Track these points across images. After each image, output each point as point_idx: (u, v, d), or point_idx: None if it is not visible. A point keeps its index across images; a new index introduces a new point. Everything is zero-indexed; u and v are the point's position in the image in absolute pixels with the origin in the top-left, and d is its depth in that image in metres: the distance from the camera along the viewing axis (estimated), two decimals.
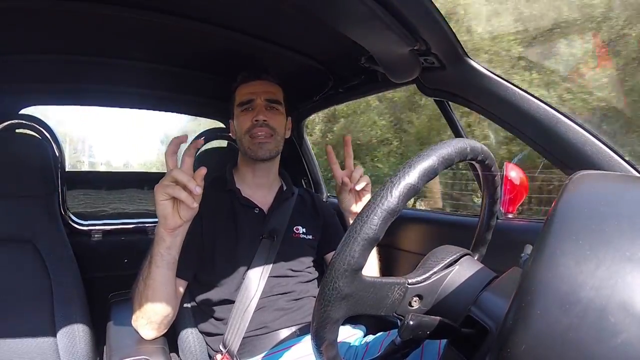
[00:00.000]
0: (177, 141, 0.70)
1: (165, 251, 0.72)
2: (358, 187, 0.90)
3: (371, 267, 0.95)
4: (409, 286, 0.42)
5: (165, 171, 0.69)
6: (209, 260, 0.88)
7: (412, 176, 0.37)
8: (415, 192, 0.37)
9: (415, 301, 0.43)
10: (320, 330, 0.38)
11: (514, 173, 0.90)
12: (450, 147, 0.40)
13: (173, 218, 0.69)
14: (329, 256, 1.04)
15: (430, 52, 0.74)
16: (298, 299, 0.91)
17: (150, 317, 0.75)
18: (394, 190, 0.36)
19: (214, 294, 0.87)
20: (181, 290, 0.85)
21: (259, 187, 1.00)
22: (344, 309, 0.38)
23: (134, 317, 0.78)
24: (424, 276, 0.44)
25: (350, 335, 0.91)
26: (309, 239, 0.99)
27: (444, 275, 0.45)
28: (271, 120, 0.94)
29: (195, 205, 0.69)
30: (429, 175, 0.38)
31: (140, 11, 0.82)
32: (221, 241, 0.89)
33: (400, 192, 0.36)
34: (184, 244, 0.87)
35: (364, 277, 0.38)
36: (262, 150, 0.94)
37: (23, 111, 1.21)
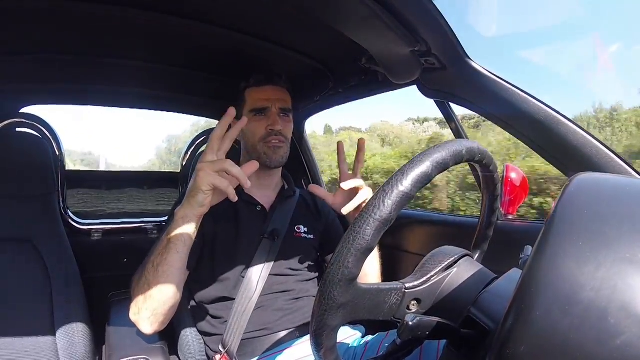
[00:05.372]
0: (226, 122, 0.70)
1: (189, 236, 0.71)
2: (345, 187, 0.85)
3: (372, 269, 0.95)
4: (407, 291, 0.42)
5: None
6: (209, 256, 0.88)
7: (404, 184, 0.36)
8: (409, 199, 0.36)
9: (414, 305, 0.43)
10: (318, 337, 0.38)
11: (514, 174, 0.90)
12: (444, 150, 0.39)
13: (208, 205, 0.69)
14: (330, 257, 1.03)
15: (430, 53, 0.74)
16: (297, 299, 0.91)
17: (156, 309, 0.72)
18: (386, 199, 0.35)
19: (213, 291, 0.87)
20: (183, 279, 0.82)
21: (262, 188, 1.00)
22: (340, 316, 0.38)
23: (134, 310, 0.73)
24: (422, 280, 0.44)
25: (349, 335, 0.91)
26: (310, 238, 0.99)
27: (443, 277, 0.45)
28: (284, 129, 0.96)
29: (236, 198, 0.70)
30: (423, 181, 0.37)
31: (140, 11, 0.82)
32: (221, 238, 0.89)
33: (393, 201, 0.35)
34: None
35: (359, 285, 0.38)
36: (277, 155, 0.95)
37: (23, 110, 1.21)
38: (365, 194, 0.84)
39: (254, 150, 0.95)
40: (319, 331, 0.37)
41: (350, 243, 0.35)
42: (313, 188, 0.89)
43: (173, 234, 0.70)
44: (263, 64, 1.10)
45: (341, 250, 0.36)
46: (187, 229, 0.70)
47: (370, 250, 0.36)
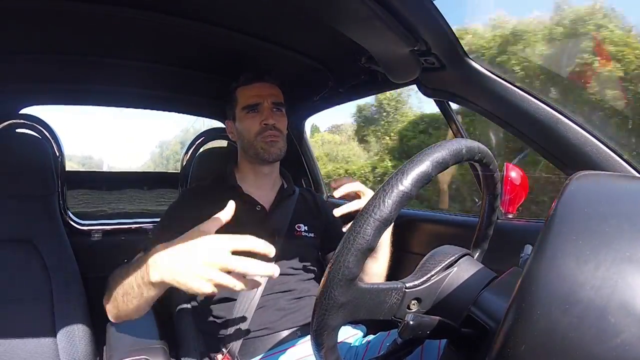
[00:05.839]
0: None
1: (159, 295, 0.63)
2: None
3: (380, 271, 0.95)
4: (407, 290, 0.42)
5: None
6: None
7: (404, 183, 0.36)
8: (409, 199, 0.36)
9: (414, 304, 0.43)
10: (319, 337, 0.38)
11: (514, 173, 0.90)
12: (444, 150, 0.39)
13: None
14: (330, 256, 1.04)
15: (430, 52, 0.74)
16: (299, 298, 0.91)
17: (124, 319, 0.71)
18: (386, 199, 0.35)
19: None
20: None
21: (261, 187, 1.00)
22: (341, 316, 0.38)
23: (106, 304, 0.71)
24: (422, 279, 0.44)
25: (350, 335, 0.91)
26: (310, 237, 0.99)
27: (443, 277, 0.45)
28: (278, 123, 0.96)
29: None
30: (423, 181, 0.37)
31: (140, 11, 0.82)
32: None
33: (393, 200, 0.35)
34: (176, 235, 0.87)
35: (359, 284, 0.38)
36: (274, 148, 0.95)
37: (23, 111, 1.21)
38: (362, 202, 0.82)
39: (251, 146, 0.96)
40: (320, 331, 0.37)
41: (351, 243, 0.35)
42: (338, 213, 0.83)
43: (145, 292, 0.61)
44: (263, 63, 1.10)
45: (341, 250, 0.36)
46: (159, 291, 0.62)
47: (371, 250, 0.36)
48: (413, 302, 0.43)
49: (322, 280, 0.37)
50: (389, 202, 0.35)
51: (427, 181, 0.37)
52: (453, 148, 0.40)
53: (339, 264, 0.36)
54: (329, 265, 0.37)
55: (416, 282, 0.43)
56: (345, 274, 0.35)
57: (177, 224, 0.90)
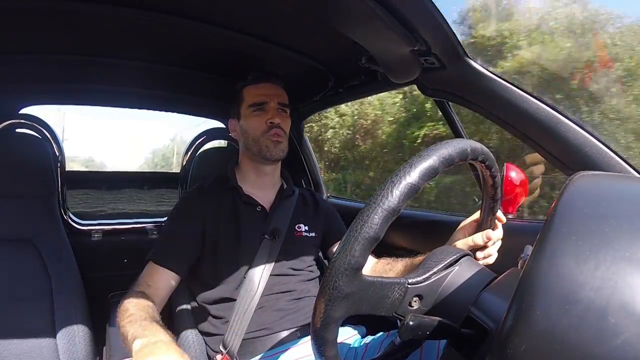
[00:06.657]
0: None
1: None
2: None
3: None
4: (409, 286, 0.42)
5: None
6: (211, 258, 0.89)
7: (412, 176, 0.37)
8: (416, 191, 0.37)
9: (415, 301, 0.43)
10: (320, 330, 0.38)
11: (514, 173, 0.90)
12: (451, 147, 0.40)
13: None
14: (334, 249, 1.04)
15: (430, 52, 0.74)
16: (299, 299, 0.91)
17: None
18: (394, 189, 0.36)
19: (215, 293, 0.87)
20: (174, 284, 0.86)
21: (262, 187, 1.00)
22: (344, 308, 0.38)
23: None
24: (424, 276, 0.44)
25: (349, 336, 0.91)
26: (311, 236, 0.99)
27: (444, 275, 0.45)
28: (283, 123, 0.97)
29: None
30: (430, 175, 0.38)
31: (140, 11, 0.82)
32: (223, 239, 0.90)
33: (400, 191, 0.37)
34: (182, 238, 0.88)
35: (364, 276, 0.38)
36: (278, 149, 0.96)
37: (23, 111, 1.21)
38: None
39: (256, 143, 0.96)
40: (322, 323, 0.37)
41: (358, 231, 0.36)
42: None
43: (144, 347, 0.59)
44: (263, 63, 1.10)
45: (348, 239, 0.36)
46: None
47: (377, 239, 0.36)
48: (415, 299, 0.43)
49: (327, 270, 0.37)
50: (396, 193, 0.36)
51: (434, 175, 0.39)
52: (459, 146, 0.41)
53: (345, 252, 0.36)
54: (335, 254, 0.37)
55: (419, 279, 0.44)
56: (352, 262, 0.36)
57: (180, 229, 0.91)
